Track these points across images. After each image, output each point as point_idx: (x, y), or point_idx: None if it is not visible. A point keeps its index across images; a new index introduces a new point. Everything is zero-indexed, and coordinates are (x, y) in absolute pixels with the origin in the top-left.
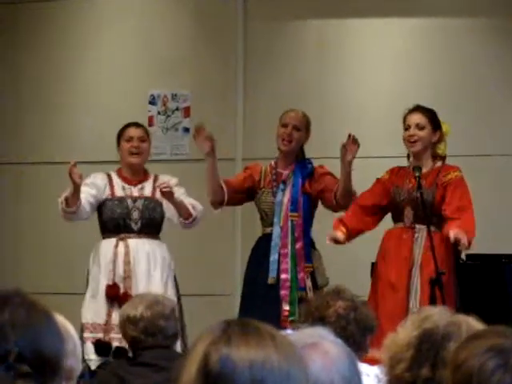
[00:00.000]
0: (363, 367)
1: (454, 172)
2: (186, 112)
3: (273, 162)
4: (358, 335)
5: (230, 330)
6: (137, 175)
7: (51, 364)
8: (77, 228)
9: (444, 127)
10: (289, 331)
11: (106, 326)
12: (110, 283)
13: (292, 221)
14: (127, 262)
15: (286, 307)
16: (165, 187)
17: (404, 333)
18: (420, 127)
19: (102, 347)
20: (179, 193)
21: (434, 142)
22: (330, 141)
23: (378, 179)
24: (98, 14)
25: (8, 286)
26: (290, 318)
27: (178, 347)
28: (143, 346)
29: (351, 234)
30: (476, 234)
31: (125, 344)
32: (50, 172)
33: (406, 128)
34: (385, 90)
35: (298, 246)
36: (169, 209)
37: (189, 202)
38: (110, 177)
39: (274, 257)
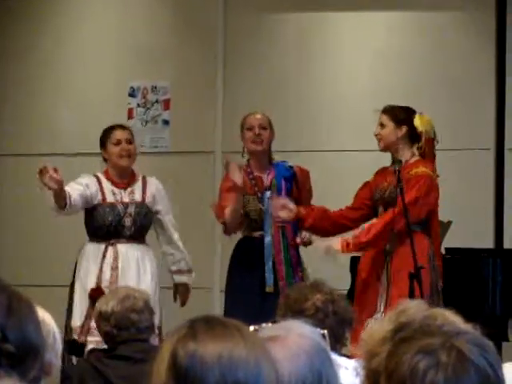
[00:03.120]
0: (342, 360)
1: (417, 168)
2: (166, 104)
3: (244, 166)
4: (336, 328)
5: (196, 327)
6: (125, 177)
7: (33, 351)
8: (58, 221)
9: (420, 121)
10: (264, 325)
11: (84, 328)
12: (95, 287)
13: (282, 227)
14: (115, 268)
15: None
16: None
17: (380, 327)
18: (382, 125)
19: (75, 347)
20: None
21: (401, 137)
22: (308, 133)
23: (365, 182)
24: (79, 6)
25: None
26: None
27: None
28: (118, 341)
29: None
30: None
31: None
32: (31, 164)
33: None
34: (364, 83)
35: (292, 252)
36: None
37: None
38: (99, 180)
39: (268, 265)
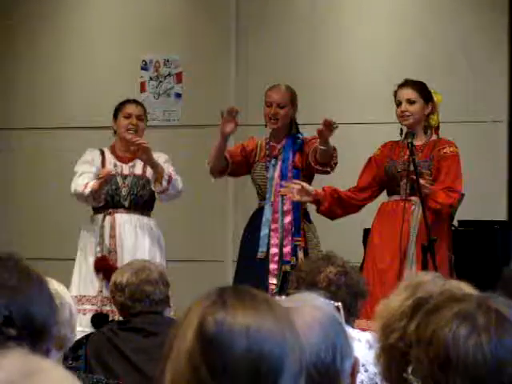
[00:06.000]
0: (354, 333)
1: (450, 147)
2: (178, 77)
3: (266, 137)
4: (349, 300)
5: (226, 295)
6: (129, 151)
7: (39, 329)
8: (68, 194)
9: (436, 97)
10: (277, 297)
11: (100, 299)
12: (99, 256)
13: (282, 196)
14: (113, 236)
15: (273, 281)
16: (140, 143)
17: (397, 301)
18: (411, 102)
19: (99, 319)
20: (163, 162)
21: (428, 114)
22: (321, 107)
23: (370, 157)
24: None
25: (1, 250)
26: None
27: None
28: (132, 312)
29: (327, 200)
30: (451, 207)
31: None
32: (43, 137)
33: (398, 104)
34: (379, 56)
35: (287, 220)
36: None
37: (168, 172)
38: (103, 154)
39: (264, 232)
